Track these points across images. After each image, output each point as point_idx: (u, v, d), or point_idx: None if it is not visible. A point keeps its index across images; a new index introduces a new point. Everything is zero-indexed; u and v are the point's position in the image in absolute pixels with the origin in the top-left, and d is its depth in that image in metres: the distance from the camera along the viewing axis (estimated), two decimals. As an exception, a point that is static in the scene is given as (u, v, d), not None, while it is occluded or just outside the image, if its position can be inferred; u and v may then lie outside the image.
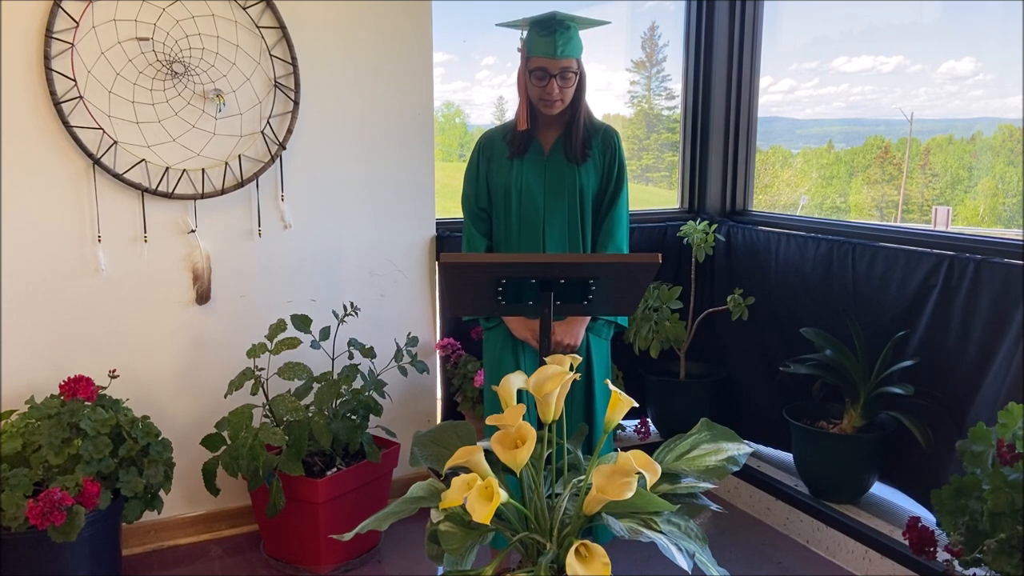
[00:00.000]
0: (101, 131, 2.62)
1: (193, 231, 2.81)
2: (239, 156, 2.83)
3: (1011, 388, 2.40)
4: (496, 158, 2.47)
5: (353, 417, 2.75)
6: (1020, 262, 2.44)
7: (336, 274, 3.08)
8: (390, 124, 3.09)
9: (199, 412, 2.90)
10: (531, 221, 2.44)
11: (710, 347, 3.59)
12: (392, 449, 2.90)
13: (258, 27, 2.79)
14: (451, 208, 3.49)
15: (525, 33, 2.35)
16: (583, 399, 2.49)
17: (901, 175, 3.62)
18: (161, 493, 2.53)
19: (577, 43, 2.32)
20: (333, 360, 2.85)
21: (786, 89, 3.76)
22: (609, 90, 4.04)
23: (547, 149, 2.44)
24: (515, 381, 1.66)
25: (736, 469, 1.68)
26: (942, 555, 2.16)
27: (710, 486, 1.65)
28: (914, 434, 2.64)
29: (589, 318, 2.44)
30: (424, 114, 3.14)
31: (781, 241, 3.26)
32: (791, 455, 3.12)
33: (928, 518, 2.35)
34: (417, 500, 1.60)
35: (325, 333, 2.81)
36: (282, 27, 2.81)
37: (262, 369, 2.70)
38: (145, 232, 2.75)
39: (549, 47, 2.27)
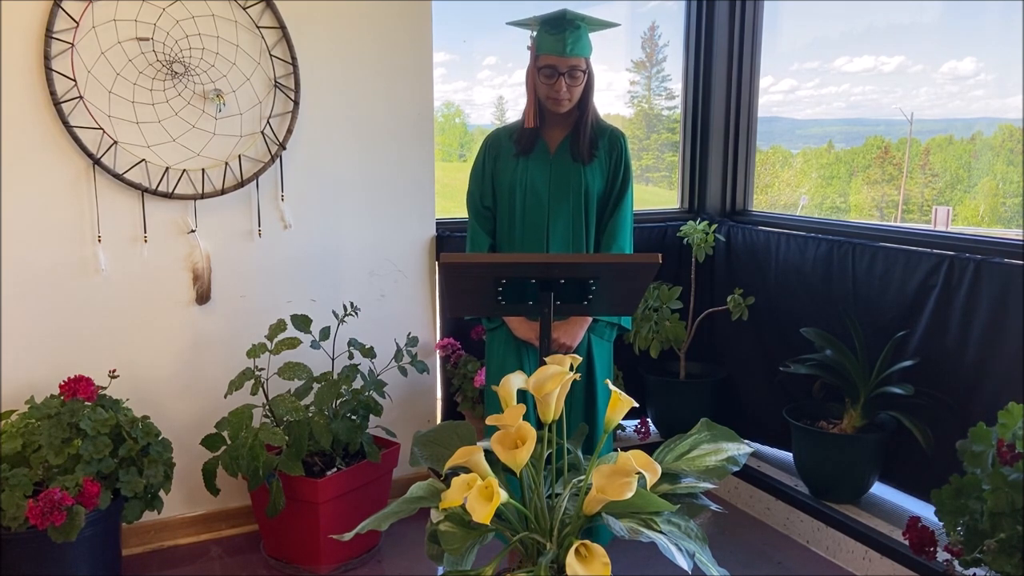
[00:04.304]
0: (101, 131, 2.62)
1: (193, 231, 2.81)
2: (239, 156, 2.83)
3: (1011, 388, 2.40)
4: (502, 157, 2.48)
5: (353, 417, 2.75)
6: (1020, 262, 2.44)
7: (336, 274, 3.08)
8: (390, 124, 3.09)
9: (199, 412, 2.90)
10: (535, 220, 2.44)
11: (710, 347, 3.59)
12: (392, 449, 2.90)
13: (258, 27, 2.79)
14: (451, 208, 3.49)
15: (535, 31, 2.35)
16: (584, 400, 2.49)
17: (901, 175, 3.62)
18: (161, 493, 2.53)
19: (586, 42, 2.33)
20: (333, 360, 2.85)
21: (787, 89, 3.77)
22: (609, 90, 4.04)
23: (553, 148, 2.44)
24: (515, 381, 1.66)
25: (736, 469, 1.68)
26: (942, 555, 2.16)
27: (710, 486, 1.65)
28: (914, 434, 2.64)
29: (590, 319, 2.44)
30: (424, 114, 3.14)
31: (781, 241, 3.26)
32: (791, 455, 3.12)
33: (929, 518, 2.35)
34: (417, 500, 1.60)
35: (325, 333, 2.81)
36: (282, 27, 2.81)
37: (262, 369, 2.70)
38: (145, 232, 2.75)
39: (559, 45, 2.28)
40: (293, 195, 2.95)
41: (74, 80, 2.56)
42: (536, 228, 2.44)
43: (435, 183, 3.22)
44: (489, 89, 3.92)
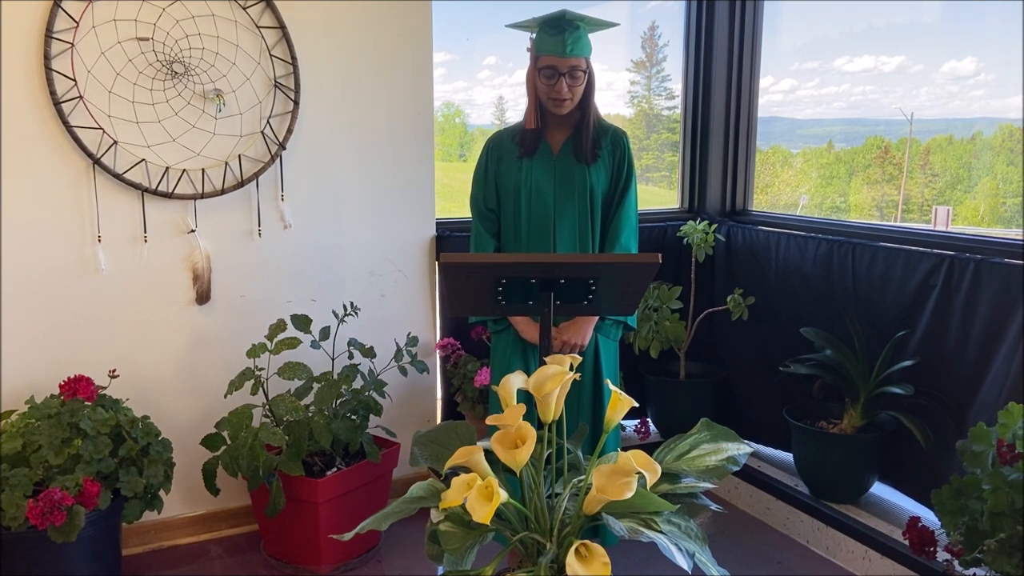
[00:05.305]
0: (101, 131, 2.62)
1: (193, 231, 2.81)
2: (239, 156, 2.83)
3: (1011, 388, 2.40)
4: (505, 159, 2.48)
5: (353, 417, 2.75)
6: (1020, 262, 2.43)
7: (336, 274, 3.08)
8: (390, 124, 3.09)
9: (199, 412, 2.90)
10: (541, 221, 2.44)
11: (710, 347, 3.59)
12: (392, 449, 2.90)
13: (258, 27, 2.79)
14: (451, 208, 3.49)
15: (535, 33, 2.35)
16: (591, 400, 2.48)
17: (901, 175, 3.62)
18: (161, 493, 2.52)
19: (586, 42, 2.33)
20: (333, 360, 2.85)
21: (787, 89, 3.77)
22: (609, 90, 4.04)
23: (556, 149, 2.45)
24: (515, 381, 1.66)
25: (736, 469, 1.68)
26: (942, 555, 2.16)
27: (710, 486, 1.65)
28: (914, 434, 2.64)
29: (597, 318, 2.44)
30: (424, 114, 3.14)
31: (781, 241, 3.26)
32: (791, 455, 3.12)
33: (928, 518, 2.35)
34: (417, 500, 1.60)
35: (325, 333, 2.81)
36: (282, 27, 2.81)
37: (262, 369, 2.70)
38: (145, 232, 2.75)
39: (559, 46, 2.28)
40: (293, 195, 2.95)
41: (74, 80, 2.56)
42: (542, 230, 2.44)
43: (435, 183, 3.22)
44: (489, 89, 3.92)
